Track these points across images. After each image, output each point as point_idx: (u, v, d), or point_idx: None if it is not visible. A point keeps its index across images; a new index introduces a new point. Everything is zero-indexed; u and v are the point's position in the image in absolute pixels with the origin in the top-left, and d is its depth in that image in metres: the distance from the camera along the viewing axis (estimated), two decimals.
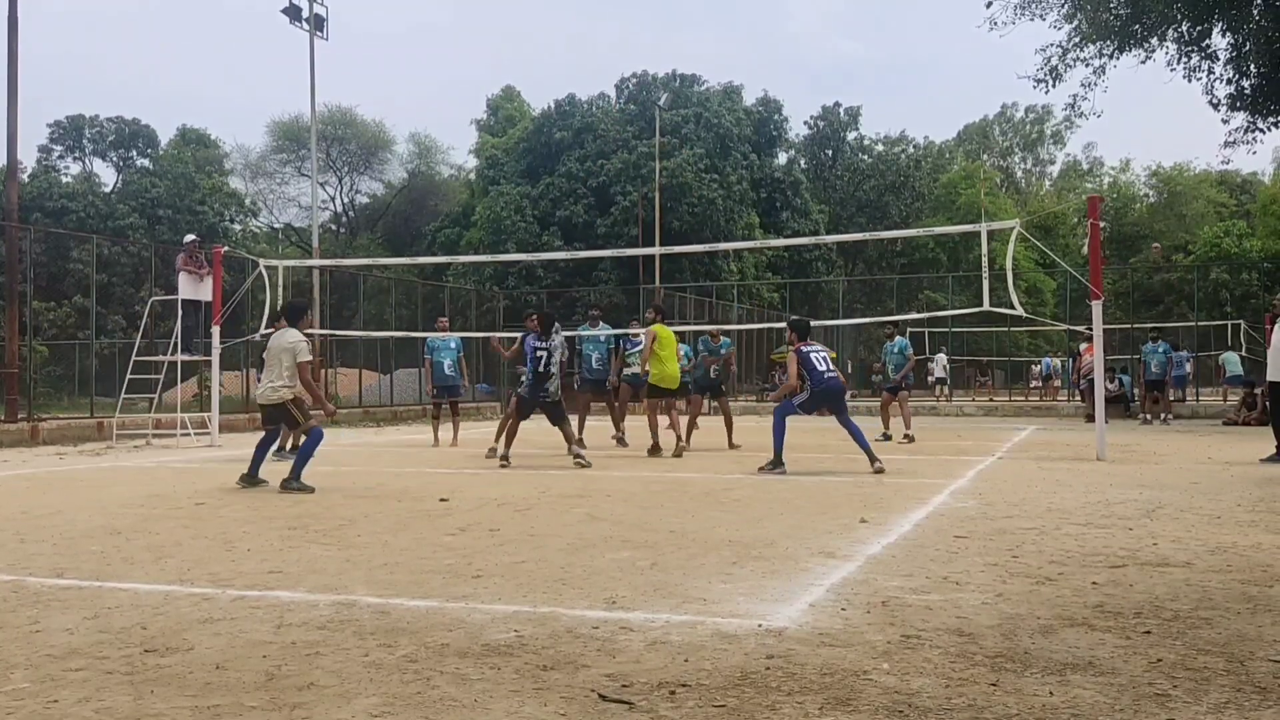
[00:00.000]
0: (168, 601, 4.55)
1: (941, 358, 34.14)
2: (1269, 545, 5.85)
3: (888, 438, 15.60)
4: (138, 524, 6.96)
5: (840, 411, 11.03)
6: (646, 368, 12.82)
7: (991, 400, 32.33)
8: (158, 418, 16.95)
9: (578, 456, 11.23)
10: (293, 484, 8.77)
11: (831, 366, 10.89)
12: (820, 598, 4.52)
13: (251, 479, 9.18)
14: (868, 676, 3.34)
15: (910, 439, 15.36)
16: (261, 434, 9.73)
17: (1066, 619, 4.12)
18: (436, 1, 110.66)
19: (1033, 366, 39.33)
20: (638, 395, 13.80)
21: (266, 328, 16.56)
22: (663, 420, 13.27)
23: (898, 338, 16.48)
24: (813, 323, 11.66)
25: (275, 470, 9.19)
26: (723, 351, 14.86)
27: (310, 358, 9.44)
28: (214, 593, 4.72)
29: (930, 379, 34.44)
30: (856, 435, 10.70)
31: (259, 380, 9.50)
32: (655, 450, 12.73)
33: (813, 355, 10.77)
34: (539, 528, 6.64)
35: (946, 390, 33.67)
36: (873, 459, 10.43)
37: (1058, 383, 36.41)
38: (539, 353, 11.59)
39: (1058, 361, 37.90)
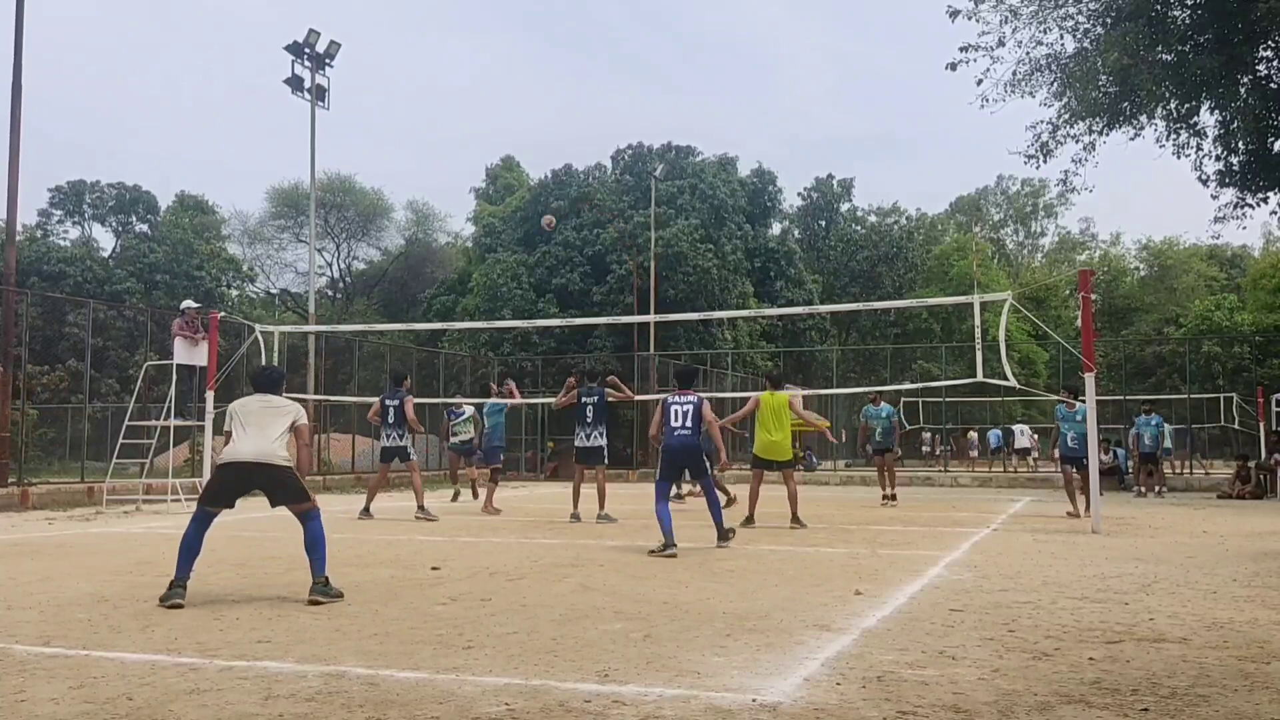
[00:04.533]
0: (154, 671, 4.50)
1: (1025, 428, 32.76)
2: (1265, 621, 5.82)
3: (889, 498, 16.20)
4: (126, 591, 6.89)
5: (698, 474, 10.23)
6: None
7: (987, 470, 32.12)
8: (149, 483, 16.84)
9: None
10: None
11: (687, 423, 9.89)
12: (815, 672, 4.47)
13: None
14: None
15: (893, 499, 15.93)
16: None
17: (1064, 696, 4.08)
18: (438, 72, 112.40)
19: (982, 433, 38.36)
20: (468, 462, 14.98)
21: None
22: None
23: (884, 403, 16.73)
24: (804, 391, 11.54)
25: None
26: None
27: None
28: (201, 663, 4.66)
29: (1011, 449, 33.08)
30: (710, 502, 10.02)
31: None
32: (749, 521, 12.36)
33: (672, 407, 9.96)
34: (531, 598, 6.59)
35: (1032, 461, 31.76)
36: (720, 533, 9.83)
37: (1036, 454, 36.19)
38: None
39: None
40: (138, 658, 4.78)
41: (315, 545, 6.69)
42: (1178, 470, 25.51)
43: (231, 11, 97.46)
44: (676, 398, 10.05)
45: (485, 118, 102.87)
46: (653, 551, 9.27)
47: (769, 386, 12.88)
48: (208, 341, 16.13)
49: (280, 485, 6.79)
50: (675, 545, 9.34)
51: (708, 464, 10.24)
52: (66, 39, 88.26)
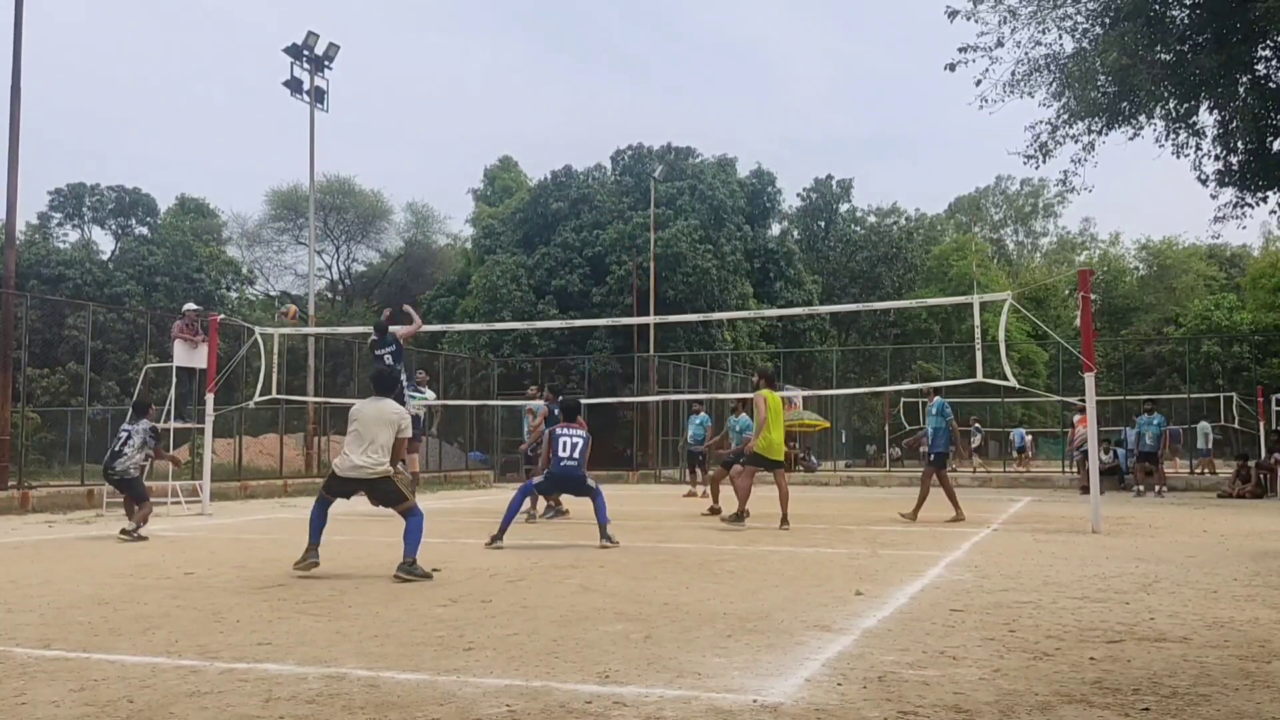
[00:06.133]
0: (155, 674, 4.49)
1: (1205, 426, 29.21)
2: (1266, 620, 5.82)
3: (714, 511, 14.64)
4: (126, 594, 6.89)
5: (582, 494, 10.61)
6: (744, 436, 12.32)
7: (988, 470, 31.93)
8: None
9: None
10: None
11: (574, 454, 10.42)
12: (816, 672, 4.47)
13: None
14: None
15: (717, 512, 14.21)
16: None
17: (1065, 695, 4.08)
18: (437, 73, 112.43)
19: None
20: None
21: (261, 394, 16.58)
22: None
23: (743, 415, 15.62)
24: (803, 392, 11.54)
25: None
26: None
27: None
28: (202, 665, 4.66)
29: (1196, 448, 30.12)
30: (598, 508, 10.26)
31: None
32: (740, 517, 12.53)
33: (561, 438, 10.48)
34: (531, 599, 6.58)
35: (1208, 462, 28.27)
36: (603, 534, 9.99)
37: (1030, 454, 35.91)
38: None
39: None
40: (138, 660, 4.78)
41: (411, 533, 7.59)
42: (1211, 470, 25.59)
43: (231, 14, 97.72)
44: (565, 430, 10.56)
45: (484, 119, 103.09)
46: (491, 541, 9.98)
47: (764, 384, 12.73)
48: (207, 344, 16.11)
49: (380, 493, 7.84)
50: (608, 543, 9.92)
51: (593, 484, 10.59)
52: (66, 41, 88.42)
